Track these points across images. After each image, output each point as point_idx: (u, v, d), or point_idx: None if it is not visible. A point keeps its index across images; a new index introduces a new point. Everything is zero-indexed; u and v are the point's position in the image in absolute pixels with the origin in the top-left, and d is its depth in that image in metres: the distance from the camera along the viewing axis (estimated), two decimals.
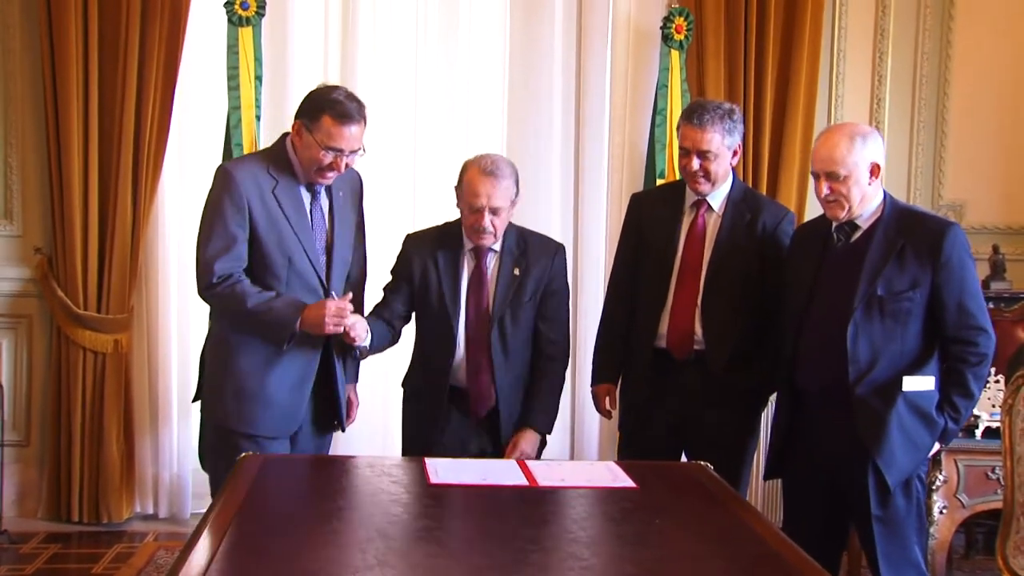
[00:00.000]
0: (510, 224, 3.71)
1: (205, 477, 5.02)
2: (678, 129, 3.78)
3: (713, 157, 3.65)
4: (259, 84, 5.00)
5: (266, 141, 5.09)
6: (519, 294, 3.69)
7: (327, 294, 3.43)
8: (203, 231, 3.38)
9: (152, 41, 4.96)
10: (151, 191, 5.07)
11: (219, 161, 5.01)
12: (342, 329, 3.33)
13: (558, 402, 3.83)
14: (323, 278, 3.46)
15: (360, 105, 3.37)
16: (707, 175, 3.68)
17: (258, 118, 5.00)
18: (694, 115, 3.66)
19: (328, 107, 3.30)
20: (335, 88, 3.42)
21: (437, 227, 3.83)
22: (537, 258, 3.74)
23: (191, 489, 5.30)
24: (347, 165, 3.38)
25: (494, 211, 3.56)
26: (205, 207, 3.42)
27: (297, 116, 3.39)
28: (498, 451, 3.71)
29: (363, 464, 3.29)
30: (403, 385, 3.86)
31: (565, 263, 3.87)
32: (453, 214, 3.79)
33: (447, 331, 3.64)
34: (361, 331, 3.42)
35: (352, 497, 2.94)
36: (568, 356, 3.88)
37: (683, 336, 3.72)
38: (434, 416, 3.68)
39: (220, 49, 5.02)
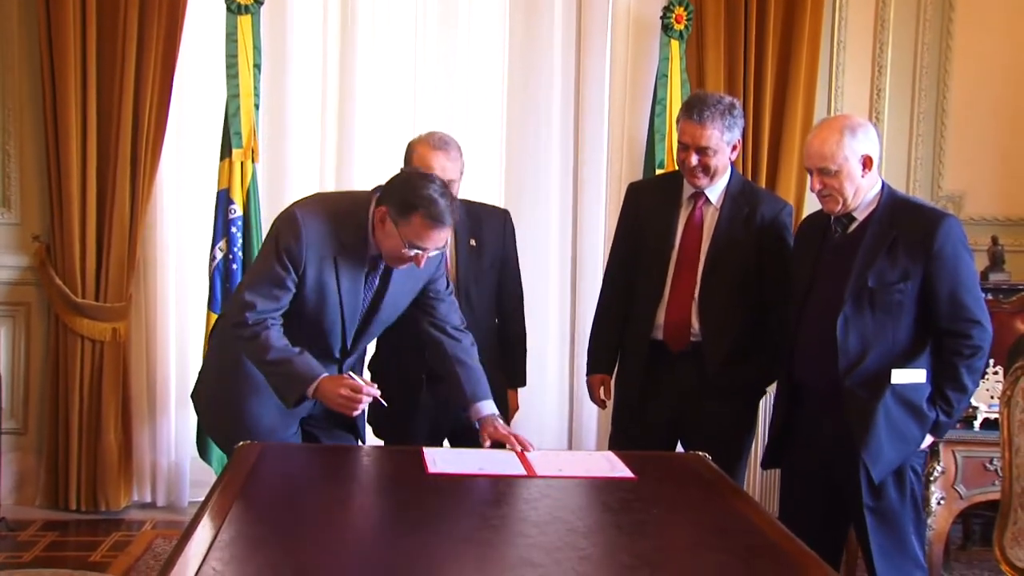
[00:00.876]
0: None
1: (203, 465, 5.07)
2: (677, 122, 3.75)
3: (712, 153, 3.63)
4: (258, 72, 4.99)
5: (264, 128, 5.10)
6: (479, 263, 3.81)
7: (341, 359, 3.35)
8: (255, 269, 3.25)
9: (151, 29, 4.95)
10: (149, 179, 5.06)
11: (218, 149, 5.02)
12: (352, 414, 3.16)
13: (525, 353, 4.09)
14: (347, 344, 3.32)
15: (453, 202, 3.12)
16: (706, 170, 3.66)
17: (257, 106, 5.00)
18: (694, 110, 3.63)
19: (422, 205, 3.03)
20: (429, 181, 3.12)
21: None
22: (490, 226, 3.88)
23: (189, 477, 5.31)
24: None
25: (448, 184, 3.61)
26: (265, 244, 3.24)
27: (382, 202, 3.12)
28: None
29: (361, 453, 3.29)
30: (370, 368, 3.85)
31: (513, 228, 3.99)
32: None
33: None
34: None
35: (350, 486, 2.94)
36: (523, 309, 4.05)
37: (679, 328, 3.72)
38: (411, 393, 3.71)
39: (219, 37, 5.01)
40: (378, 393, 3.12)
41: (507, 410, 3.97)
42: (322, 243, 3.14)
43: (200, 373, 3.59)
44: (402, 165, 3.72)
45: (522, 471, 2.93)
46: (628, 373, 3.89)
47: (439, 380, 3.57)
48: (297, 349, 3.15)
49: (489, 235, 3.86)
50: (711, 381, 3.68)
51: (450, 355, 3.40)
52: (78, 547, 4.78)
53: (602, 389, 3.97)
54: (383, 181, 3.22)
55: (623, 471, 2.97)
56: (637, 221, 3.89)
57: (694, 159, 3.64)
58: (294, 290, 3.16)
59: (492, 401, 3.34)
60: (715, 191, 3.74)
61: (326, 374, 3.13)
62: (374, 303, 3.32)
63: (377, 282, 3.30)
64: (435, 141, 3.69)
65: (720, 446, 3.48)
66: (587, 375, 4.03)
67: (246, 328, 3.13)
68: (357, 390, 3.07)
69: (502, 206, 4.31)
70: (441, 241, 3.12)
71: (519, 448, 3.16)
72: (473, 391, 3.34)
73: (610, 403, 4.01)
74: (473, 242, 3.80)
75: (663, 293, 3.74)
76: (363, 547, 2.34)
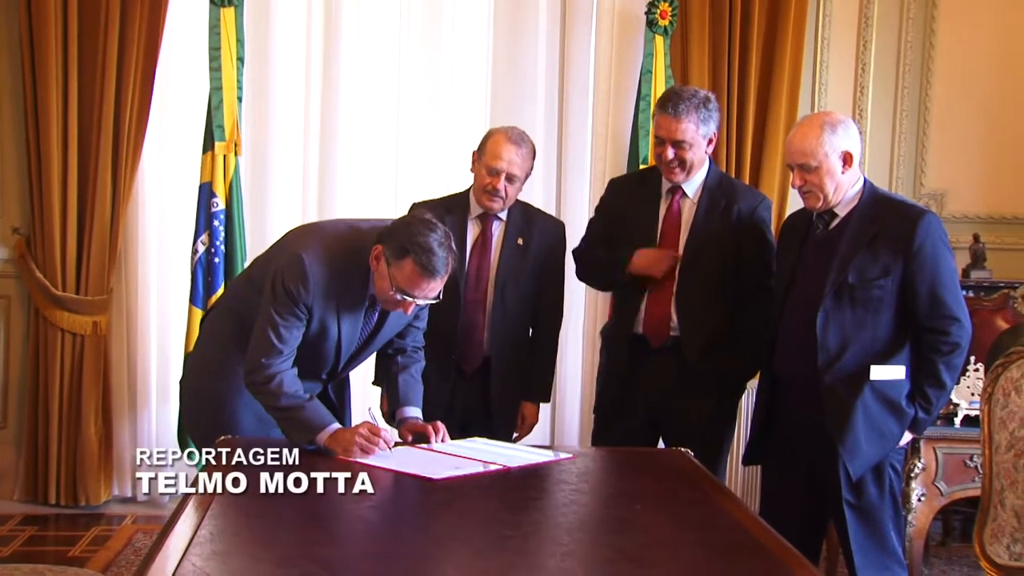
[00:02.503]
0: (515, 199, 3.83)
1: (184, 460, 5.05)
2: (653, 117, 3.76)
3: (688, 147, 3.63)
4: (241, 65, 4.98)
5: (247, 121, 5.08)
6: (522, 263, 3.81)
7: (327, 380, 3.38)
8: (269, 314, 3.09)
9: (133, 21, 4.93)
10: (131, 172, 5.04)
11: (200, 142, 5.00)
12: (364, 458, 2.98)
13: (554, 369, 4.08)
14: (337, 370, 3.34)
15: (450, 255, 3.03)
16: (682, 164, 3.66)
17: (240, 99, 4.99)
18: (669, 104, 3.63)
19: (416, 252, 2.97)
20: (432, 228, 3.03)
21: (443, 197, 3.92)
22: (541, 232, 3.89)
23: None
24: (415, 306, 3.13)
25: (510, 178, 3.70)
26: (276, 292, 3.09)
27: (381, 240, 3.06)
28: (481, 410, 3.81)
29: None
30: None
31: (565, 240, 4.00)
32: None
33: (452, 293, 3.63)
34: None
35: (332, 483, 2.92)
36: (560, 326, 4.04)
37: (660, 322, 3.72)
38: (443, 376, 3.73)
39: (202, 30, 4.99)
40: (393, 445, 3.06)
41: (515, 421, 3.94)
42: (327, 290, 3.11)
43: (185, 365, 3.58)
44: (474, 150, 3.80)
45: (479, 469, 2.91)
46: (609, 368, 3.89)
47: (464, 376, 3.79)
48: (307, 395, 3.12)
49: (538, 239, 3.86)
50: (691, 374, 3.69)
51: (400, 365, 3.46)
52: (57, 542, 4.76)
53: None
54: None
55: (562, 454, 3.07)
56: (614, 216, 3.88)
57: (670, 153, 3.64)
58: (301, 334, 3.14)
59: (420, 410, 3.38)
60: (692, 185, 3.74)
61: (337, 425, 3.07)
62: (369, 336, 3.33)
63: (376, 318, 3.30)
64: (513, 134, 3.74)
65: (700, 440, 3.49)
66: (624, 268, 3.74)
67: (260, 374, 3.08)
68: (376, 433, 3.01)
69: None
70: (431, 292, 3.05)
71: (437, 436, 3.16)
72: (407, 396, 3.40)
73: (591, 398, 4.01)
74: (520, 241, 3.82)
75: (643, 291, 3.75)
76: (344, 545, 2.34)
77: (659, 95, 4.95)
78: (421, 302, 3.08)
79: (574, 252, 4.02)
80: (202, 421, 3.36)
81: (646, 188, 3.83)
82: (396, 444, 3.13)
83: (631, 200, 3.85)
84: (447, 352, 3.76)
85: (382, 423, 3.22)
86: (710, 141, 3.70)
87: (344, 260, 3.14)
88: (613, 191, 3.99)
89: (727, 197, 3.74)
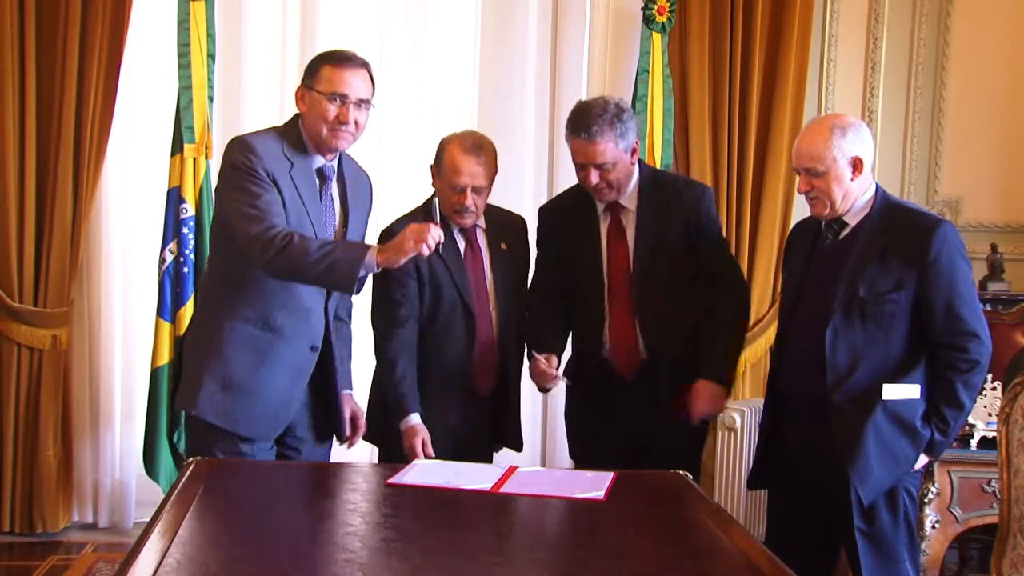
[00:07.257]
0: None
1: (149, 483, 5.04)
2: (567, 140, 3.70)
3: (611, 167, 3.60)
4: (211, 62, 4.98)
5: (219, 123, 5.09)
6: (512, 268, 3.81)
7: (326, 298, 3.43)
8: (238, 205, 3.22)
9: (96, 14, 4.93)
10: (94, 176, 5.03)
11: (168, 145, 5.00)
12: (426, 251, 3.15)
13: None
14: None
15: (360, 58, 3.39)
16: (610, 185, 3.64)
17: (210, 99, 4.98)
18: (580, 128, 3.59)
19: (325, 59, 3.35)
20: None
21: (414, 210, 3.80)
22: (517, 233, 3.90)
23: (134, 496, 5.27)
24: (357, 123, 3.33)
25: (476, 190, 3.64)
26: (228, 179, 3.27)
27: (300, 85, 3.39)
28: (490, 434, 3.82)
29: (321, 470, 3.29)
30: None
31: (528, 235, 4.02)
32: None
33: (466, 314, 3.65)
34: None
35: (308, 506, 2.92)
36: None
37: (628, 351, 3.72)
38: (452, 399, 3.72)
39: (170, 24, 4.99)
40: (438, 231, 3.18)
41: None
42: (275, 156, 3.29)
43: (179, 369, 3.54)
44: (432, 161, 3.76)
45: (486, 486, 2.93)
46: (580, 401, 3.88)
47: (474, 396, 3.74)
48: (332, 243, 3.26)
49: (515, 240, 3.87)
50: (664, 403, 3.68)
51: (346, 340, 3.64)
52: (11, 572, 4.74)
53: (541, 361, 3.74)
54: None
55: (593, 491, 2.98)
56: (557, 245, 3.86)
57: (595, 177, 3.61)
58: (280, 200, 3.25)
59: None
60: (627, 195, 3.72)
61: (370, 244, 3.24)
62: (342, 225, 3.44)
63: (336, 202, 3.43)
64: (468, 143, 3.65)
65: (678, 466, 3.46)
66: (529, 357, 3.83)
67: (272, 247, 3.15)
68: (424, 227, 3.16)
69: None
70: (359, 88, 3.32)
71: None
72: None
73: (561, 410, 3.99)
74: (504, 245, 3.80)
75: (604, 318, 3.73)
76: (320, 571, 2.33)
77: (656, 96, 5.03)
78: (357, 105, 3.30)
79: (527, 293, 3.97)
80: (227, 407, 3.33)
81: (582, 208, 3.79)
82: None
83: (569, 223, 3.83)
84: (462, 374, 3.70)
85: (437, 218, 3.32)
86: (634, 151, 3.68)
87: (275, 134, 3.38)
88: (547, 219, 3.96)
89: (666, 194, 3.73)
